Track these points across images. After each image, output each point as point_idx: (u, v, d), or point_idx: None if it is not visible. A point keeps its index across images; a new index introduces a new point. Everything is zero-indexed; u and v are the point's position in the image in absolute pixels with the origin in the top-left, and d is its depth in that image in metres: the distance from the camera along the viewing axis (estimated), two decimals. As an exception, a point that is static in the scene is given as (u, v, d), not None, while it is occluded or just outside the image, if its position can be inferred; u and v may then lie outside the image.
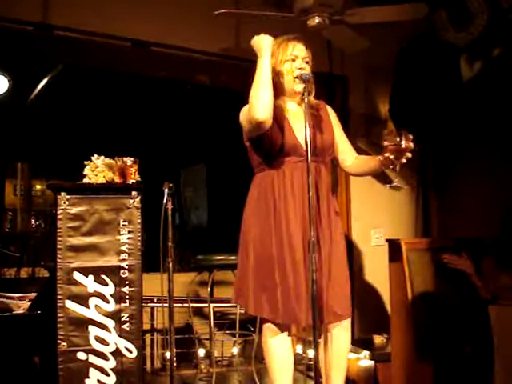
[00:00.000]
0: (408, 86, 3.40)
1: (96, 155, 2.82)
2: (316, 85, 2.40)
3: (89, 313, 2.60)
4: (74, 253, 2.63)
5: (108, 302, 2.63)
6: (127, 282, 2.66)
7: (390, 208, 4.05)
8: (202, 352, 3.70)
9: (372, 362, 3.35)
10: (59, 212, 2.63)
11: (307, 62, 2.34)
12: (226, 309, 4.02)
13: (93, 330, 2.60)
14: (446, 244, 3.17)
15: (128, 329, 2.64)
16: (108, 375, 2.60)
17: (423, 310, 2.98)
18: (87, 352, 2.58)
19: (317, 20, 3.00)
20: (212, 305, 3.48)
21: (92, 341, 2.59)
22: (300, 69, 2.30)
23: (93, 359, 2.59)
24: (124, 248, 2.68)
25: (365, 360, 3.37)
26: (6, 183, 7.67)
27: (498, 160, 3.41)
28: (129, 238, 2.69)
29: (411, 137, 2.07)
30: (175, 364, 2.73)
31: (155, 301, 3.76)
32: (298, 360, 3.53)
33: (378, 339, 3.56)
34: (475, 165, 3.63)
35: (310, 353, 3.33)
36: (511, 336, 2.55)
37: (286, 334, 2.28)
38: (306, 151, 2.09)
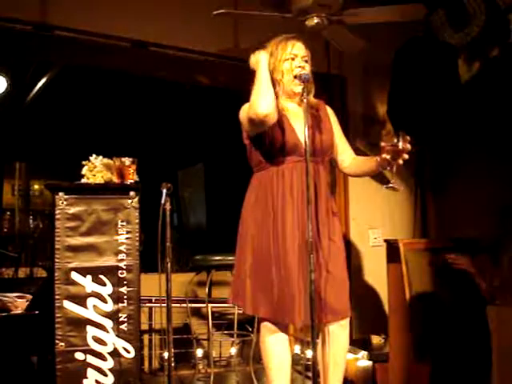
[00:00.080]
0: (405, 86, 3.40)
1: (94, 155, 2.83)
2: (315, 84, 2.40)
3: (87, 313, 2.60)
4: (71, 253, 2.62)
5: (106, 302, 2.63)
6: (125, 282, 2.66)
7: (388, 208, 4.06)
8: (200, 352, 3.70)
9: (370, 363, 3.35)
10: (57, 212, 2.63)
11: (306, 61, 2.33)
12: (224, 309, 4.02)
13: (91, 330, 2.60)
14: (444, 244, 3.17)
15: (126, 329, 2.64)
16: (106, 375, 2.60)
17: (421, 310, 2.99)
18: (85, 352, 2.58)
19: (315, 20, 3.00)
20: (210, 305, 3.47)
21: (90, 341, 2.59)
22: (300, 67, 2.29)
23: (91, 359, 2.59)
24: (122, 248, 2.68)
25: (363, 360, 3.37)
26: (4, 183, 7.68)
27: (496, 161, 3.41)
28: (127, 238, 2.69)
29: (408, 138, 2.09)
30: (173, 364, 2.72)
31: (153, 301, 3.76)
32: (296, 360, 3.54)
33: (376, 339, 3.57)
34: (473, 166, 3.64)
35: (308, 353, 3.33)
36: (509, 336, 2.55)
37: (283, 333, 2.28)
38: (305, 151, 2.08)
